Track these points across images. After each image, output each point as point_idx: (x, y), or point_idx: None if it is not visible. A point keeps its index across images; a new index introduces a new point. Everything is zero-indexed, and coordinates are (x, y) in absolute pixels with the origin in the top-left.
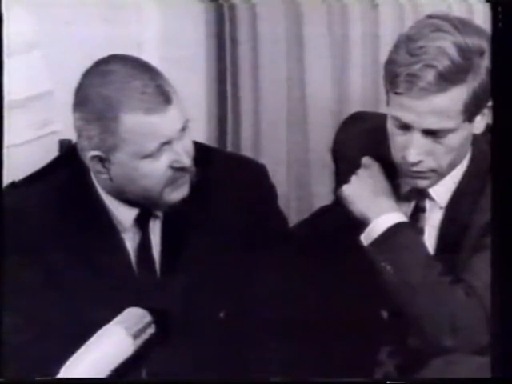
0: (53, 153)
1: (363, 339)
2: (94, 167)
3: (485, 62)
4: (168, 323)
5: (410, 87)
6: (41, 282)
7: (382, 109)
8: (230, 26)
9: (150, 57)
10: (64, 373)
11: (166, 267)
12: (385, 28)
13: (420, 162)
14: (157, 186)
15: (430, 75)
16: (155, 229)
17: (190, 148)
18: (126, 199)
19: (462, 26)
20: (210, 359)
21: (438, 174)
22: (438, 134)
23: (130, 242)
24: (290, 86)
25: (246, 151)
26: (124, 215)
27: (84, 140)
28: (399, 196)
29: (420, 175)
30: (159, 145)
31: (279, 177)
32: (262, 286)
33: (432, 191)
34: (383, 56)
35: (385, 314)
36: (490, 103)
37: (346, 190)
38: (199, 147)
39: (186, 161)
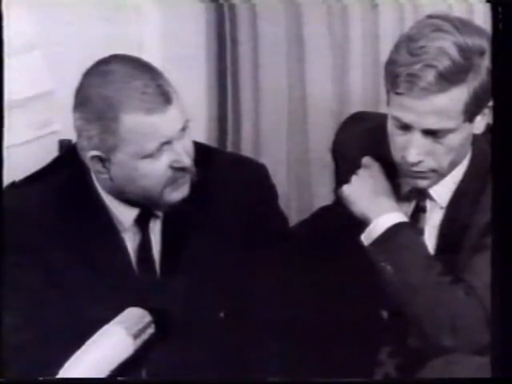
0: (53, 153)
1: (363, 339)
2: (94, 167)
3: (485, 62)
4: (168, 323)
5: (411, 87)
6: (41, 282)
7: (383, 109)
8: (230, 26)
9: (151, 57)
10: (64, 373)
11: (166, 267)
12: (385, 28)
13: (420, 162)
14: (157, 186)
15: (430, 75)
16: (155, 229)
17: (190, 148)
18: (126, 199)
19: (463, 25)
20: (209, 359)
21: (439, 174)
22: (438, 134)
23: (130, 241)
24: (290, 86)
25: (246, 151)
26: (124, 215)
27: (84, 140)
28: (399, 196)
29: (420, 175)
30: (159, 145)
31: (279, 177)
32: (261, 286)
33: (432, 191)
34: (383, 56)
35: (385, 314)
36: (490, 103)
37: (347, 189)
38: (199, 147)
39: (186, 161)
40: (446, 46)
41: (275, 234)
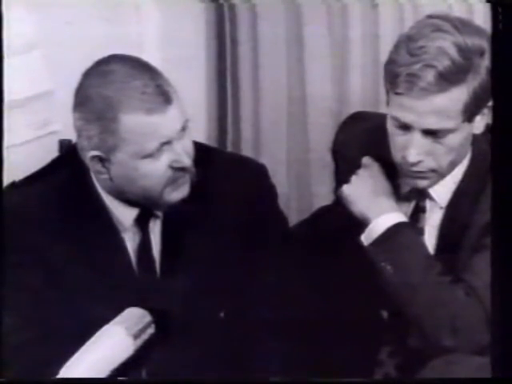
0: (53, 153)
1: (363, 339)
2: (93, 167)
3: (485, 62)
4: (168, 323)
5: (410, 87)
6: (41, 281)
7: (382, 109)
8: (230, 26)
9: (150, 57)
10: (64, 373)
11: (166, 267)
12: (385, 28)
13: (420, 162)
14: (157, 185)
15: (430, 75)
16: (155, 229)
17: (190, 148)
18: (126, 199)
19: (462, 26)
20: (209, 359)
21: (438, 174)
22: (438, 134)
23: (130, 241)
24: (290, 86)
25: (246, 151)
26: (124, 215)
27: (84, 140)
28: (399, 196)
29: (420, 175)
30: (159, 145)
31: (279, 177)
32: (261, 285)
33: (432, 191)
34: (383, 56)
35: (385, 314)
36: (490, 103)
37: (346, 189)
38: (199, 147)
39: (186, 161)
40: (446, 46)
41: (275, 233)
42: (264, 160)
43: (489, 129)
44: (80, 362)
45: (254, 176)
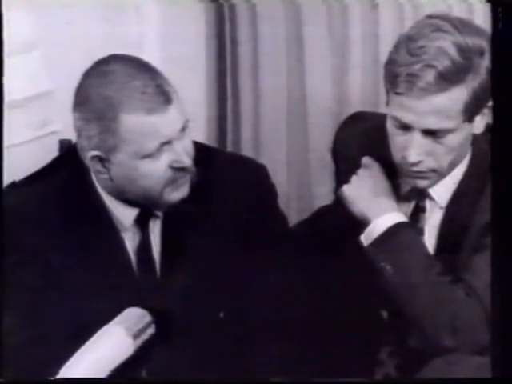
0: (53, 153)
1: (363, 339)
2: (94, 167)
3: (485, 62)
4: (168, 323)
5: (410, 87)
6: (41, 281)
7: (382, 109)
8: (230, 26)
9: (150, 57)
10: (64, 373)
11: (166, 267)
12: (385, 28)
13: (420, 162)
14: (157, 186)
15: (429, 75)
16: (155, 229)
17: (190, 148)
18: (126, 199)
19: (462, 25)
20: (210, 359)
21: (438, 174)
22: (438, 134)
23: (130, 241)
24: (290, 85)
25: (246, 151)
26: (124, 215)
27: (84, 140)
28: (399, 196)
29: (420, 175)
30: (159, 145)
31: (279, 177)
32: (261, 286)
33: (432, 191)
34: (383, 56)
35: (385, 314)
36: (489, 103)
37: (346, 190)
38: (199, 147)
39: (186, 161)
40: (446, 45)
41: (275, 233)
42: (264, 160)
43: (489, 129)
44: (80, 361)
45: (254, 176)
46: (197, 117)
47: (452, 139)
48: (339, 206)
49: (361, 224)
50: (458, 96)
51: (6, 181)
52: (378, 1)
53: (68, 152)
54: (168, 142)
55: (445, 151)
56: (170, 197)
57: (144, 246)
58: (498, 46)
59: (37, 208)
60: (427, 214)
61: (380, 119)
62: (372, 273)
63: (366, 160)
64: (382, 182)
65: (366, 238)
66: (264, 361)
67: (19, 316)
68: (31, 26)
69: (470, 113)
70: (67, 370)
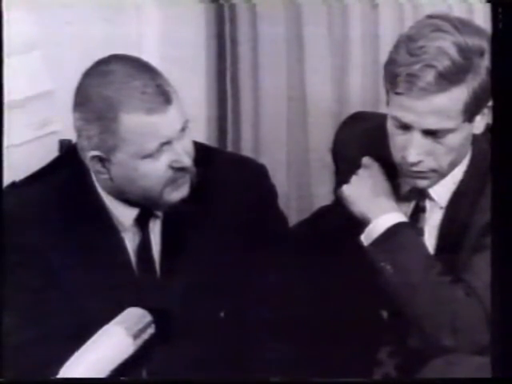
0: (53, 153)
1: (363, 339)
2: (93, 167)
3: (485, 62)
4: (168, 323)
5: (410, 87)
6: (41, 281)
7: (382, 109)
8: (230, 26)
9: (150, 57)
10: (64, 373)
11: (166, 267)
12: (385, 28)
13: (420, 162)
14: (157, 186)
15: (429, 75)
16: (155, 229)
17: (190, 148)
18: (126, 199)
19: (462, 25)
20: (210, 359)
21: (438, 174)
22: (438, 134)
23: (130, 241)
24: (290, 86)
25: (246, 151)
26: (124, 215)
27: (84, 140)
28: (399, 196)
29: (420, 175)
30: (159, 145)
31: (279, 177)
32: (261, 286)
33: (432, 191)
34: (383, 56)
35: (385, 314)
36: (489, 103)
37: (346, 190)
38: (199, 147)
39: (186, 161)
40: (446, 45)
41: (275, 233)
42: (264, 160)
43: (489, 129)
44: (80, 361)
45: (254, 176)
46: (197, 117)
47: (452, 139)
48: (339, 206)
49: (361, 224)
50: (458, 96)
51: (6, 181)
52: (378, 1)
53: (68, 152)
54: (168, 142)
55: (445, 151)
56: (170, 197)
57: (144, 246)
58: (498, 46)
59: (37, 208)
60: (427, 214)
61: (380, 119)
62: (372, 273)
63: (365, 160)
64: (382, 182)
65: (366, 237)
66: (264, 361)
67: (19, 316)
68: (31, 26)
69: (470, 113)
70: (67, 370)
